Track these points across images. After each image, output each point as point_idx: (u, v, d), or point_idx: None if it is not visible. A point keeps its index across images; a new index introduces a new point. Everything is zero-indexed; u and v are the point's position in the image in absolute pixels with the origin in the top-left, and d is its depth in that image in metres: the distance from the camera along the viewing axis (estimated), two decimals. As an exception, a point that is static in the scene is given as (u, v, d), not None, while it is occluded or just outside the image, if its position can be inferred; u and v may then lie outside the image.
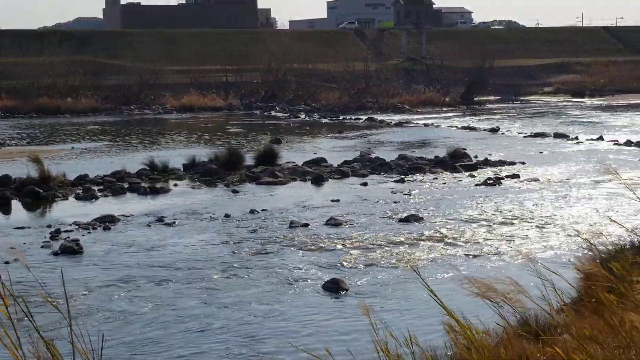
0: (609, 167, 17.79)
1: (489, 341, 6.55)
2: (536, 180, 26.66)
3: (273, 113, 63.70)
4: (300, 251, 17.38)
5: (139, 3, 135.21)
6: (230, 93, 71.86)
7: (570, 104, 68.93)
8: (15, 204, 23.94)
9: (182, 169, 29.71)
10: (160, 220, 20.92)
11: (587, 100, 72.25)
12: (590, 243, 9.62)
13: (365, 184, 26.74)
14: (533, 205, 22.20)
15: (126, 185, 26.42)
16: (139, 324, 12.67)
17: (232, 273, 15.66)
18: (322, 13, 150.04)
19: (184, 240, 18.66)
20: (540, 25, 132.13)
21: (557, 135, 40.39)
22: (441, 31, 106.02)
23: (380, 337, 5.79)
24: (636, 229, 11.12)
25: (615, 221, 9.70)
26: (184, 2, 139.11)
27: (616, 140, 37.47)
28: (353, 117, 57.37)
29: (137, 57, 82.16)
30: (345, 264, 16.22)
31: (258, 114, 63.63)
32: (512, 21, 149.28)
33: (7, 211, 23.13)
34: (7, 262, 16.11)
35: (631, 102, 67.44)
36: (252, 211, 21.82)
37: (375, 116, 57.55)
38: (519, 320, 8.44)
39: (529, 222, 19.93)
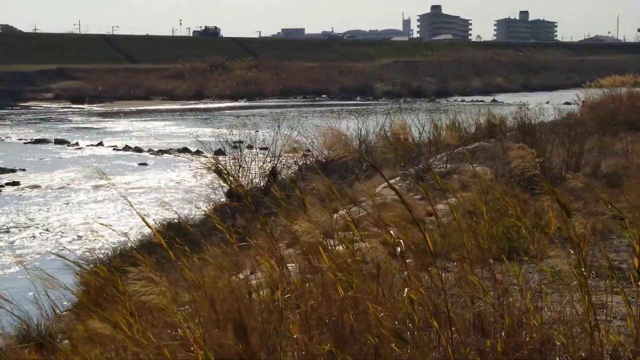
0: (101, 175, 18.19)
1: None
2: (38, 187, 26.29)
3: None
4: None
5: None
6: None
7: (71, 110, 68.89)
8: None
9: None
10: None
11: (87, 107, 72.83)
12: (91, 247, 9.71)
13: None
14: (34, 212, 21.84)
15: None
16: None
17: None
18: None
19: None
20: (38, 31, 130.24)
21: (58, 142, 40.15)
22: None
23: None
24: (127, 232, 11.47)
25: (107, 225, 9.91)
26: None
27: (115, 146, 38.31)
28: None
29: None
30: None
31: None
32: (9, 25, 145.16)
33: None
34: None
35: (129, 108, 69.42)
36: None
37: None
38: (21, 330, 8.23)
39: (30, 228, 19.57)
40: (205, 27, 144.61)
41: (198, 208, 14.99)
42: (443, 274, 4.89)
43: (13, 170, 29.78)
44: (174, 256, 5.95)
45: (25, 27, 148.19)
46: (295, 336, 4.73)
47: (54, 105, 73.26)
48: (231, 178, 14.86)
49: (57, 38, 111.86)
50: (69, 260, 6.80)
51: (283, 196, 5.90)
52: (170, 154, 35.28)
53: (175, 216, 14.67)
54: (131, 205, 6.62)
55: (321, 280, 5.20)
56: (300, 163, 16.85)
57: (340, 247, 5.68)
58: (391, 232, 5.17)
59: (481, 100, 69.83)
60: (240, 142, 18.45)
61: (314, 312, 4.83)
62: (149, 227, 6.08)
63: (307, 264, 5.67)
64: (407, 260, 6.10)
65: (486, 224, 5.89)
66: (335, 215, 5.89)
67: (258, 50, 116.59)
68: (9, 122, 54.73)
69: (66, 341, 7.38)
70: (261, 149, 17.63)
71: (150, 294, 4.81)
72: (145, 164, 31.89)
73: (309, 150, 17.45)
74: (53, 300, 7.10)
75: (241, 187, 10.87)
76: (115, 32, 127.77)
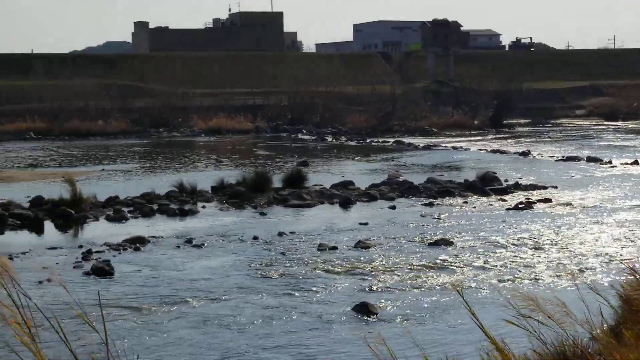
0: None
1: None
2: (569, 204, 26.21)
3: (300, 136, 63.79)
4: (329, 274, 17.21)
5: (167, 27, 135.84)
6: (258, 115, 72.12)
7: (603, 127, 68.29)
8: (48, 225, 24.07)
9: (210, 191, 29.76)
10: (189, 242, 20.86)
11: (621, 124, 71.53)
12: (632, 268, 9.39)
13: (393, 207, 26.50)
14: (567, 230, 21.83)
15: (155, 207, 26.43)
16: (172, 347, 12.58)
17: (261, 296, 15.53)
18: (348, 36, 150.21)
19: (213, 262, 18.58)
20: (570, 48, 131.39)
21: (590, 159, 39.83)
22: (469, 53, 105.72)
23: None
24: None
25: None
26: (211, 25, 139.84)
27: (652, 165, 36.98)
28: (380, 140, 57.27)
29: (164, 80, 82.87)
30: (374, 287, 16.04)
31: (285, 136, 63.82)
32: (541, 43, 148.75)
33: (39, 232, 23.25)
34: (40, 282, 16.16)
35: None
36: (280, 234, 21.72)
37: (402, 139, 57.36)
38: (558, 346, 8.25)
39: (563, 246, 19.59)
40: None
41: None
42: None
43: (544, 188, 30.22)
44: None
45: (558, 44, 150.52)
46: None
47: (586, 123, 73.30)
48: None
49: (589, 54, 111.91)
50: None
51: None
52: None
53: None
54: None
55: None
56: None
57: None
58: None
59: None
60: None
61: None
62: None
63: None
64: None
65: None
66: None
67: None
68: (544, 140, 55.94)
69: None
70: None
71: None
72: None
73: None
74: (603, 318, 6.98)
75: None
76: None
